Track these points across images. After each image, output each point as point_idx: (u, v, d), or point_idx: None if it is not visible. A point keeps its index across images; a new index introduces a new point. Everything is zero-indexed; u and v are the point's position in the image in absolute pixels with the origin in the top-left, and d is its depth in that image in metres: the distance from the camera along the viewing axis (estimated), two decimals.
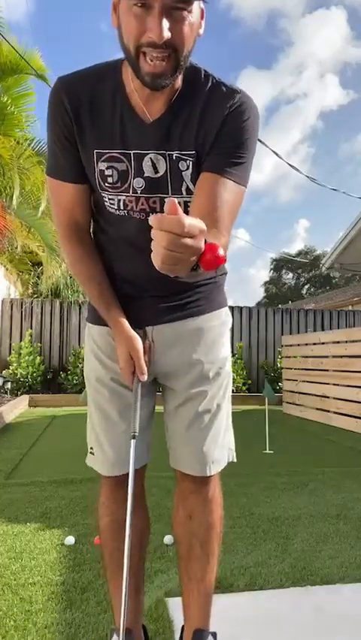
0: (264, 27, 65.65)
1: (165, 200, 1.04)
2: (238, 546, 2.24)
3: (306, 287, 41.56)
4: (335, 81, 70.32)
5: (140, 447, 1.26)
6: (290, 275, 42.81)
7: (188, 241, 0.73)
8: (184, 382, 1.30)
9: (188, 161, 1.14)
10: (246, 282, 72.80)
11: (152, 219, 0.73)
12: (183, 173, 1.15)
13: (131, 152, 1.14)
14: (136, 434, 1.18)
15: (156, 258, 0.75)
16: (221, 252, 0.79)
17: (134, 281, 1.28)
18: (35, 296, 10.82)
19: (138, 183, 1.16)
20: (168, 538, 2.22)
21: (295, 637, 1.53)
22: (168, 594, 1.76)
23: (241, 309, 10.71)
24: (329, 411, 6.54)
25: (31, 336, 9.37)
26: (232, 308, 10.48)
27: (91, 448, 1.37)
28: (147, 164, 1.15)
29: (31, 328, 9.56)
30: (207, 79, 1.13)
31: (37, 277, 11.09)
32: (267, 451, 4.51)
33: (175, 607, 1.58)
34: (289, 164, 8.68)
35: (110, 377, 1.31)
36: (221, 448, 1.33)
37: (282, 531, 2.44)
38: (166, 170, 1.15)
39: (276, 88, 71.22)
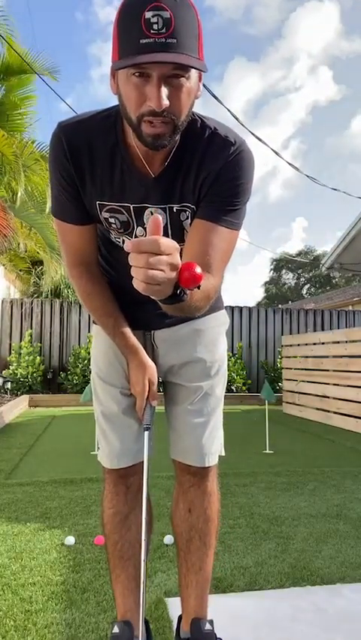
0: (241, 17, 64.30)
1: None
2: (238, 546, 2.24)
3: (306, 287, 41.54)
4: (326, 76, 69.56)
5: (142, 440, 1.30)
6: (290, 275, 42.81)
7: (165, 258, 0.77)
8: (187, 377, 1.37)
9: (188, 212, 1.18)
10: (243, 281, 72.77)
11: (127, 244, 0.77)
12: (184, 222, 1.20)
13: (131, 205, 1.17)
14: (149, 426, 1.26)
15: (138, 282, 0.79)
16: (198, 269, 0.83)
17: (134, 291, 1.31)
18: (35, 296, 10.81)
19: (140, 232, 1.20)
20: (168, 539, 2.22)
21: (295, 637, 1.53)
22: (168, 594, 1.76)
23: (241, 309, 10.71)
24: (329, 411, 6.54)
25: (31, 336, 9.37)
26: (232, 308, 10.49)
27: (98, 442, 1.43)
28: (147, 217, 1.17)
29: (31, 328, 9.56)
30: (203, 129, 1.14)
31: (38, 277, 11.08)
32: (267, 451, 4.51)
33: (175, 607, 1.58)
34: (290, 164, 8.69)
35: (117, 377, 1.37)
36: (217, 441, 1.40)
37: (282, 531, 2.44)
38: (167, 223, 1.18)
39: (265, 81, 70.56)
